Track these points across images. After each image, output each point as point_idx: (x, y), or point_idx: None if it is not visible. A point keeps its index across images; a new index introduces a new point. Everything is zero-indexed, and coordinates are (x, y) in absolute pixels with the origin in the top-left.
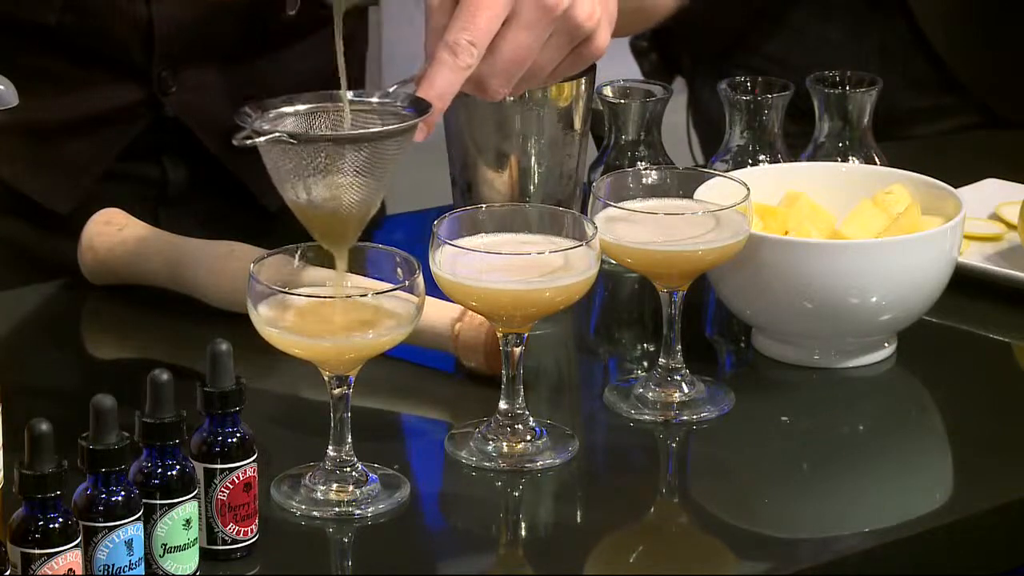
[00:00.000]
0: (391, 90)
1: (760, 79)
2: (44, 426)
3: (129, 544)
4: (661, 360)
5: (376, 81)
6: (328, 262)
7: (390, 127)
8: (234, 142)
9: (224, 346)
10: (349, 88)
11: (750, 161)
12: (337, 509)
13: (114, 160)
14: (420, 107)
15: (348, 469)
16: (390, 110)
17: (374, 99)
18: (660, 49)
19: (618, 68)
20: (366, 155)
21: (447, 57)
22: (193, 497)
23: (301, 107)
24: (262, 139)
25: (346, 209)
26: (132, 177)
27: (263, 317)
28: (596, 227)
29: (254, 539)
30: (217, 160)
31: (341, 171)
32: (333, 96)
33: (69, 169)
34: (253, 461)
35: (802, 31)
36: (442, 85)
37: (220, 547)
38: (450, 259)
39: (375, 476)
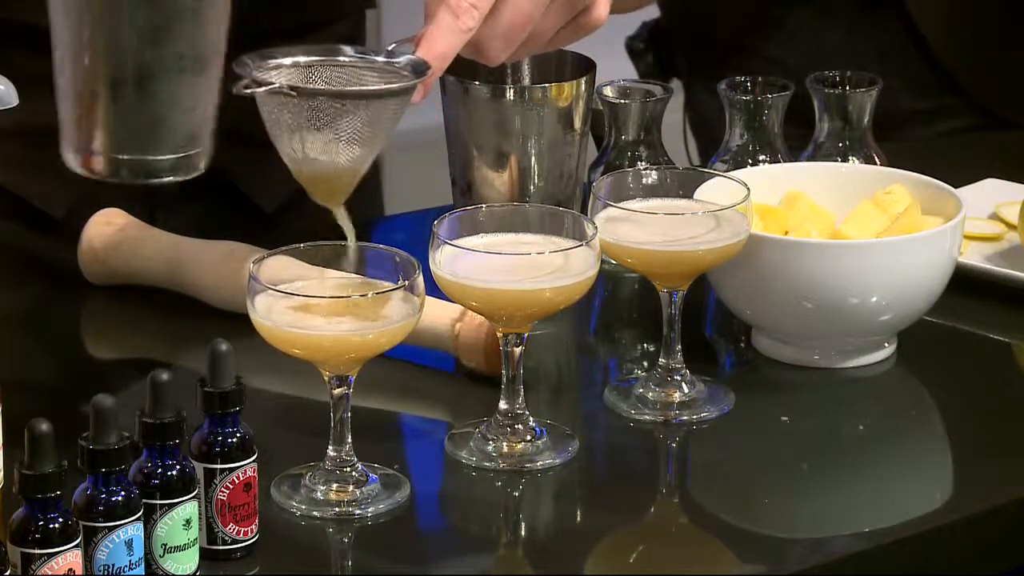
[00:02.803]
0: (390, 48)
1: (760, 79)
2: (44, 426)
3: (129, 544)
4: (661, 360)
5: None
6: (328, 262)
7: (389, 86)
8: (233, 91)
9: (224, 346)
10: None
11: (750, 161)
12: (337, 509)
13: None
14: (419, 68)
15: (348, 469)
16: (390, 70)
17: (375, 57)
18: (656, 51)
19: (618, 68)
20: (363, 112)
21: (448, 18)
22: (193, 497)
23: (301, 59)
24: (261, 89)
25: (339, 166)
26: None
27: (263, 317)
28: (596, 227)
29: (254, 539)
30: (214, 162)
31: (337, 127)
32: (333, 51)
33: (64, 171)
34: (253, 461)
35: (799, 33)
36: (442, 46)
37: (220, 547)
38: (450, 259)
39: (375, 476)
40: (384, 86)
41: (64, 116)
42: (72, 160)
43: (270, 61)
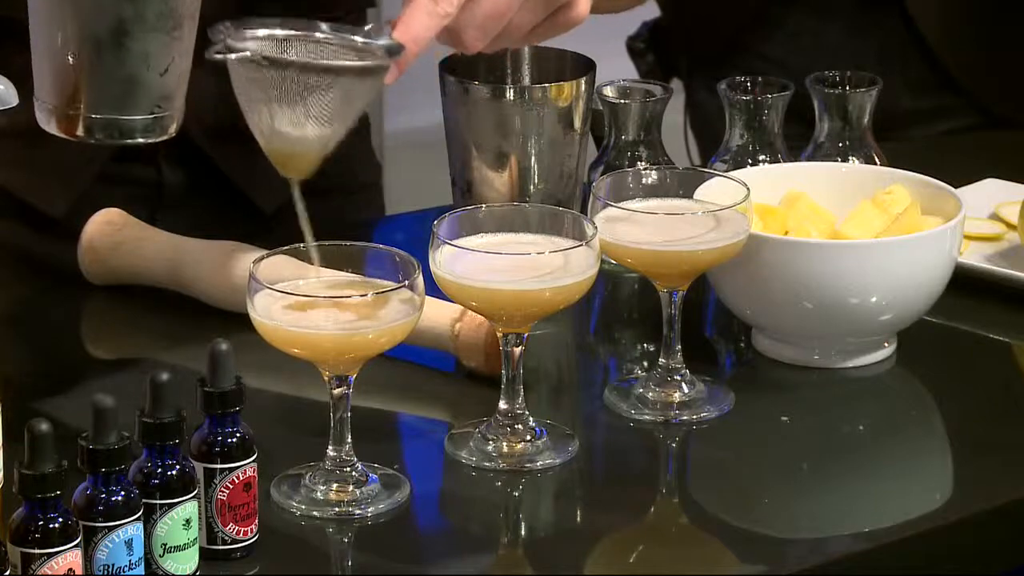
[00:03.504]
0: (367, 28)
1: (760, 79)
2: (44, 426)
3: (129, 544)
4: (661, 360)
5: None
6: (329, 262)
7: (360, 63)
8: (206, 55)
9: (224, 346)
10: None
11: (750, 161)
12: (337, 509)
13: (109, 162)
14: (394, 49)
15: (348, 469)
16: (367, 49)
17: (352, 36)
18: (657, 50)
19: (618, 68)
20: (335, 89)
21: (427, 2)
22: (193, 497)
23: (278, 32)
24: (233, 56)
25: (307, 141)
26: (128, 179)
27: (263, 317)
28: (596, 227)
29: (254, 539)
30: (213, 162)
31: (307, 102)
32: (311, 26)
33: (63, 171)
34: (253, 461)
35: (799, 33)
36: (418, 29)
37: (220, 547)
38: (450, 259)
39: (375, 476)
40: (355, 63)
41: (39, 75)
42: (45, 119)
43: (246, 31)
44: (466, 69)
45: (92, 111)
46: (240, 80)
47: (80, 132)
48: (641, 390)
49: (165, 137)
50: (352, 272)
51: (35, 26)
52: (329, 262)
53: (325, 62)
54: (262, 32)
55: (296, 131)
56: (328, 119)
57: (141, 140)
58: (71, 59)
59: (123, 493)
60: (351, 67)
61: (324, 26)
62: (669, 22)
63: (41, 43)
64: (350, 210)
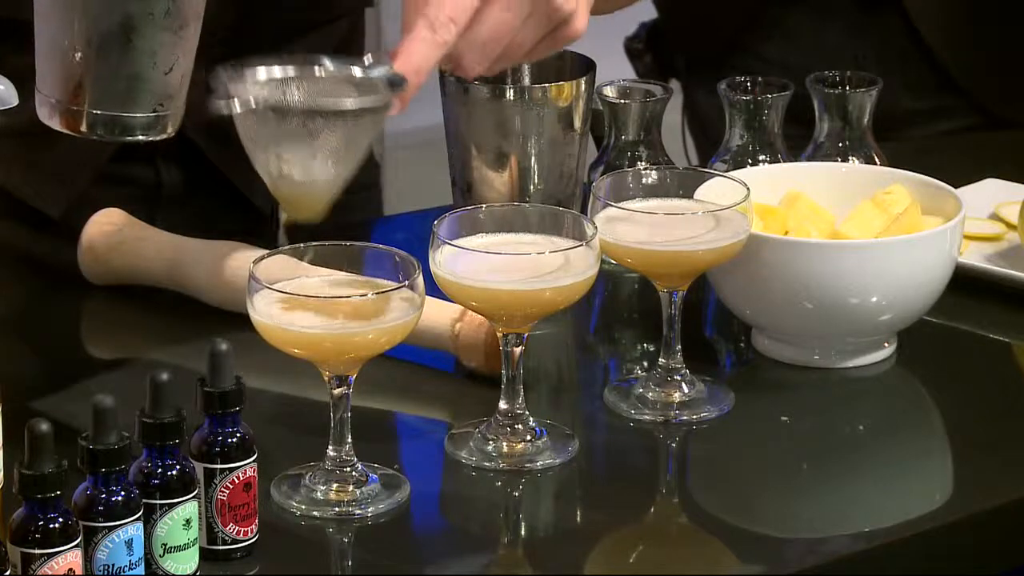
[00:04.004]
0: (367, 62)
1: (760, 79)
2: (44, 426)
3: (129, 544)
4: (661, 360)
5: None
6: (329, 262)
7: (363, 105)
8: (211, 107)
9: (224, 346)
10: None
11: (750, 161)
12: (337, 509)
13: (107, 162)
14: (396, 81)
15: (348, 469)
16: (367, 83)
17: (352, 70)
18: (655, 51)
19: (618, 68)
20: (340, 129)
21: (425, 32)
22: (193, 497)
23: (277, 73)
24: (238, 108)
25: (316, 182)
26: (126, 179)
27: (263, 317)
28: (596, 227)
29: (254, 539)
30: (211, 162)
31: (313, 144)
32: (310, 62)
33: (61, 171)
34: (253, 461)
35: (798, 34)
36: (419, 60)
37: (220, 547)
38: (450, 259)
39: (375, 476)
40: (359, 105)
41: (43, 70)
42: (47, 114)
43: (245, 73)
44: None
45: (95, 107)
46: (244, 127)
47: (83, 128)
48: (641, 390)
49: (164, 136)
50: (352, 272)
51: (41, 21)
52: (329, 262)
53: (328, 104)
54: (262, 75)
55: (302, 174)
56: (334, 158)
57: (141, 138)
58: (78, 55)
59: (123, 493)
60: (354, 108)
61: (324, 61)
62: (667, 23)
63: (47, 38)
64: (347, 210)
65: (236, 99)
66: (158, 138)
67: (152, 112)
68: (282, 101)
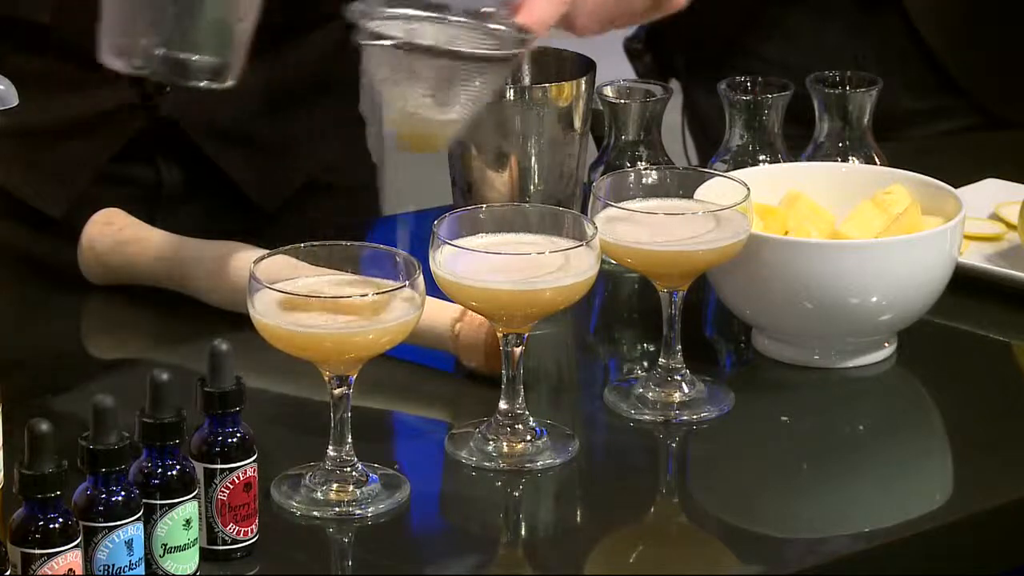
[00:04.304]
0: (488, 10)
1: (760, 79)
2: (44, 426)
3: (129, 544)
4: (661, 360)
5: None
6: (329, 262)
7: (502, 52)
8: (359, 41)
9: (224, 346)
10: None
11: (750, 161)
12: (337, 509)
13: (108, 162)
14: (523, 32)
15: (348, 469)
16: (492, 32)
17: (482, 20)
18: (655, 51)
19: (618, 68)
20: (472, 73)
21: None
22: (193, 497)
23: (410, 12)
24: (377, 43)
25: (441, 123)
26: (127, 179)
27: (263, 316)
28: (596, 227)
29: (254, 539)
30: (212, 161)
31: (445, 86)
32: (442, 8)
33: (62, 171)
34: (253, 461)
35: (798, 34)
36: (541, 13)
37: (220, 547)
38: (450, 259)
39: (375, 476)
40: (495, 54)
41: (112, 8)
42: (110, 52)
43: (378, 10)
44: None
45: (169, 47)
46: (377, 63)
47: (150, 67)
48: (641, 390)
49: (224, 85)
50: (352, 272)
51: None
52: (330, 262)
53: (468, 50)
54: (396, 12)
55: (430, 113)
56: (461, 102)
57: (204, 83)
58: None
59: (123, 493)
60: (489, 55)
61: (455, 7)
62: (666, 23)
63: None
64: (345, 211)
65: (380, 37)
66: (220, 86)
67: (219, 58)
68: (423, 43)
